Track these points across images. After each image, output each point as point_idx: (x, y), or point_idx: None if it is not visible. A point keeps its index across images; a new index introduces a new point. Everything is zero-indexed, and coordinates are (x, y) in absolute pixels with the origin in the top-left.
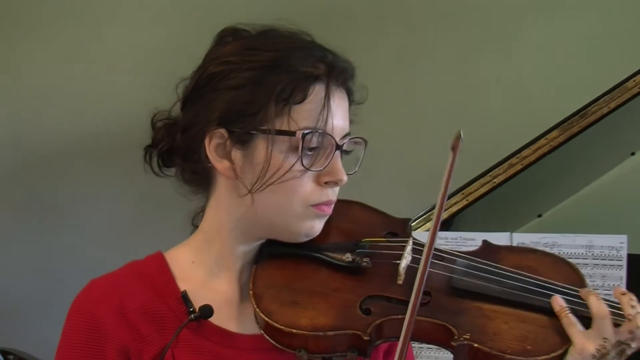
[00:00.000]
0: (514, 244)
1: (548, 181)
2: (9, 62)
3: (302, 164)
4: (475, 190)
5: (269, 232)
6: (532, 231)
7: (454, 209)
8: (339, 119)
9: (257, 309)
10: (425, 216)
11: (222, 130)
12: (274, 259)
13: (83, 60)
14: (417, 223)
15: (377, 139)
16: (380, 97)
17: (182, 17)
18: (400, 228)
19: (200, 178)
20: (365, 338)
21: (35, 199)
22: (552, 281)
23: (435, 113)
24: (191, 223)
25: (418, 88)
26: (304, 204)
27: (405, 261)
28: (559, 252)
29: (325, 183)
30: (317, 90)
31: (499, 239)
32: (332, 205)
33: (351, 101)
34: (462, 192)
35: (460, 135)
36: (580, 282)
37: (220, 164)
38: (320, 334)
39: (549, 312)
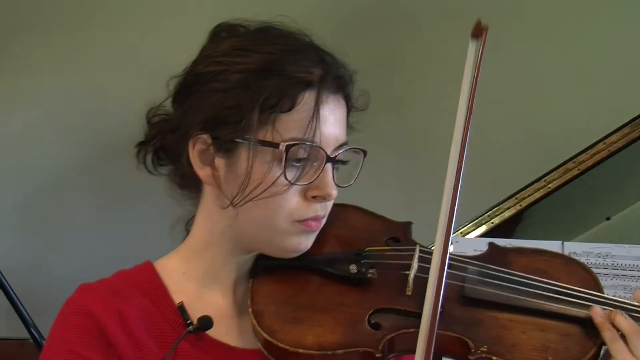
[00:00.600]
0: (566, 254)
1: (613, 184)
2: (82, 56)
3: (286, 178)
4: (529, 196)
5: (256, 247)
6: (601, 234)
7: (507, 214)
8: (331, 128)
9: (259, 328)
10: (477, 220)
11: (206, 136)
12: (271, 272)
13: (153, 53)
14: (468, 227)
15: (435, 138)
16: (439, 96)
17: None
18: (402, 233)
19: (189, 182)
20: (377, 355)
21: (97, 198)
22: (568, 285)
23: (494, 113)
24: (184, 228)
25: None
26: (288, 219)
27: (413, 271)
28: (613, 263)
29: (313, 197)
30: (308, 98)
31: (549, 248)
32: (322, 221)
33: (350, 108)
34: (516, 197)
35: (480, 23)
36: (595, 284)
37: (202, 171)
38: (329, 352)
39: (569, 318)
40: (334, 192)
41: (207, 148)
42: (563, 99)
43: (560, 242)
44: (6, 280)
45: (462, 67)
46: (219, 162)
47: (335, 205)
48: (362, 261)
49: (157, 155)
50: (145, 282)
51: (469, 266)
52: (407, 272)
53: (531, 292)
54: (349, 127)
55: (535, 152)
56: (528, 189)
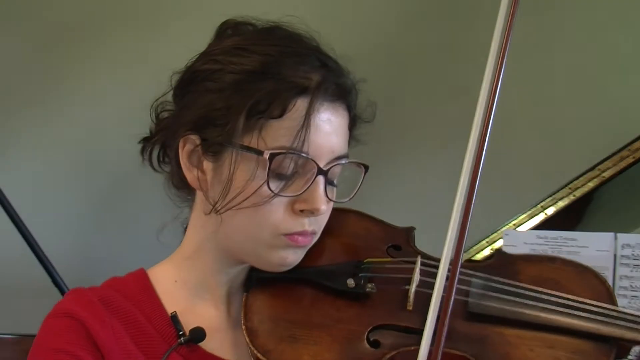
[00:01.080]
0: (619, 246)
1: None
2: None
3: (270, 188)
4: (583, 185)
5: (243, 258)
6: None
7: (561, 204)
8: (326, 139)
9: (252, 347)
10: (530, 211)
11: (195, 137)
12: (265, 285)
13: None
14: (522, 219)
15: (506, 123)
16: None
17: None
18: (404, 239)
19: (183, 184)
20: None
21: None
22: (579, 299)
23: (544, 101)
24: (183, 232)
25: (552, 69)
26: (273, 231)
27: (414, 285)
28: None
29: (301, 211)
30: (300, 105)
31: (602, 240)
32: (312, 237)
33: (354, 119)
34: (569, 186)
35: None
36: (608, 295)
37: (190, 173)
38: None
39: (580, 334)
40: (323, 207)
41: (195, 149)
42: (618, 85)
43: (612, 233)
44: (62, 280)
45: None
46: (207, 165)
47: (335, 210)
48: (360, 274)
49: (164, 151)
50: (137, 291)
51: (472, 279)
52: (407, 287)
53: (539, 306)
54: (354, 138)
55: (590, 140)
56: (581, 178)
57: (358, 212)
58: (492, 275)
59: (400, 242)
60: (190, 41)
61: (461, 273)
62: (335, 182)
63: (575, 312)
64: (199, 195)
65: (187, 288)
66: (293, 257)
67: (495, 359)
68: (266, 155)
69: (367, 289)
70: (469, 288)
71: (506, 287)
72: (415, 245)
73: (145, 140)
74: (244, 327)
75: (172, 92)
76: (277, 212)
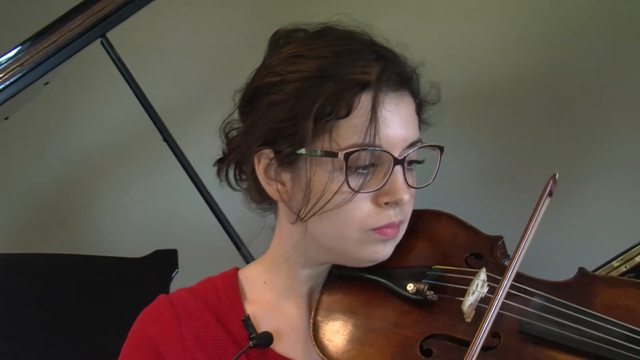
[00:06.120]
0: None
1: None
2: None
3: (350, 187)
4: None
5: (331, 258)
6: None
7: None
8: (396, 129)
9: (313, 341)
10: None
11: (268, 151)
12: (342, 282)
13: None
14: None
15: None
16: None
17: None
18: (487, 249)
19: (265, 197)
20: None
21: None
22: None
23: None
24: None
25: None
26: (361, 228)
27: (472, 298)
28: None
29: (386, 204)
30: (365, 101)
31: None
32: (400, 227)
33: (420, 103)
34: None
35: (556, 178)
36: None
37: (270, 187)
38: None
39: None
40: (406, 196)
41: (270, 163)
42: None
43: None
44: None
45: None
46: (285, 176)
47: (428, 212)
48: (423, 280)
49: (240, 169)
50: (222, 291)
51: (534, 298)
52: (461, 299)
53: (597, 335)
54: (424, 122)
55: None
56: None
57: (450, 216)
58: (564, 295)
59: (483, 251)
60: None
61: (525, 291)
62: (412, 167)
63: (635, 347)
64: (281, 206)
65: (275, 289)
66: (384, 250)
67: None
68: (341, 156)
69: (427, 297)
70: (526, 308)
71: (565, 310)
72: (507, 255)
73: (219, 162)
74: (311, 320)
75: (237, 110)
76: (362, 209)
